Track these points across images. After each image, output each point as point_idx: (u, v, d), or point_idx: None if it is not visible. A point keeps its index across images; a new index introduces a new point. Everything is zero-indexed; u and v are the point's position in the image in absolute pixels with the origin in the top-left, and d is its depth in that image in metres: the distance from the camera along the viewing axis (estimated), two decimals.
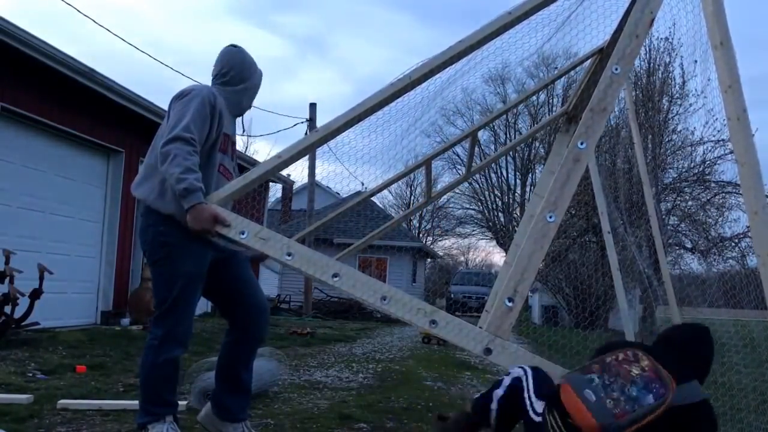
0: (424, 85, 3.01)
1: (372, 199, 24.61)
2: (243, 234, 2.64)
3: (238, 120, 3.28)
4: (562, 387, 2.10)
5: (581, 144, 2.44)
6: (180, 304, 2.93)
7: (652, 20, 2.56)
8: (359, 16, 64.84)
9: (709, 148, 15.68)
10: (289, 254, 2.56)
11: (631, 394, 1.97)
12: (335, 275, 2.50)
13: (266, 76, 3.24)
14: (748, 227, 17.10)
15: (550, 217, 2.38)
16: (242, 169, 3.31)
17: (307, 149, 2.90)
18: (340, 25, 66.90)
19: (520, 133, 31.80)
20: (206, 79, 3.25)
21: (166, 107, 3.06)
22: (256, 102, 3.29)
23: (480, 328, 2.42)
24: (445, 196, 40.59)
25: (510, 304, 2.35)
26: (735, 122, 2.54)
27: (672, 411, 2.04)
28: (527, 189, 34.26)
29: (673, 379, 2.04)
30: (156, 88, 39.24)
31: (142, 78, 41.41)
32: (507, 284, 2.36)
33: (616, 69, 2.50)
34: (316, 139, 2.89)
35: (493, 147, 33.70)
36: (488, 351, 2.35)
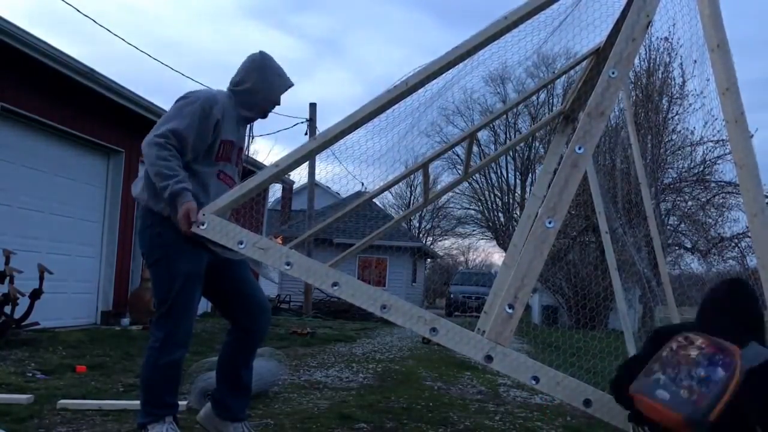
0: (420, 91, 3.00)
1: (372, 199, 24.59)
2: (241, 244, 2.64)
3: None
4: (635, 399, 2.05)
5: (579, 149, 2.42)
6: (180, 305, 2.94)
7: (649, 23, 2.55)
8: (376, 16, 64.84)
9: (709, 148, 15.71)
10: (288, 263, 2.57)
11: (699, 375, 1.92)
12: (335, 284, 2.51)
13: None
14: (748, 227, 17.07)
15: (550, 223, 2.37)
16: (244, 171, 3.31)
17: (305, 157, 2.88)
18: (357, 25, 66.94)
19: (520, 133, 31.82)
20: (212, 80, 3.25)
21: (166, 107, 3.07)
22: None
23: (481, 333, 2.43)
24: (445, 196, 40.61)
25: (510, 311, 2.34)
26: (733, 125, 2.53)
27: (748, 374, 1.99)
28: (527, 189, 34.28)
29: (735, 345, 1.99)
30: (158, 88, 39.38)
31: (155, 78, 41.58)
32: (507, 291, 2.36)
33: (614, 73, 2.49)
34: (314, 146, 2.88)
35: (492, 147, 33.74)
36: (489, 358, 2.34)
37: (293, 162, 2.82)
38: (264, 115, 3.21)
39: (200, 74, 47.89)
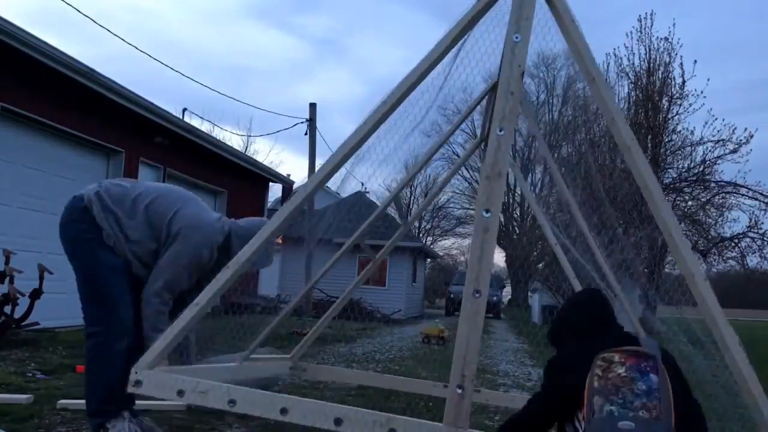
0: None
1: (372, 199, 24.50)
2: (181, 393, 2.56)
3: None
4: None
5: (486, 213, 2.39)
6: (114, 294, 2.95)
7: (523, 72, 2.51)
8: (378, 17, 64.88)
9: (709, 148, 15.72)
10: (231, 401, 2.53)
11: (642, 389, 1.96)
12: (283, 410, 2.48)
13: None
14: (748, 227, 17.04)
15: (477, 294, 2.35)
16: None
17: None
18: (359, 26, 67.02)
19: (520, 134, 31.82)
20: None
21: (166, 107, 3.11)
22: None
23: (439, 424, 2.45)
24: (445, 196, 40.62)
25: (460, 391, 2.33)
26: (627, 151, 2.52)
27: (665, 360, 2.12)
28: (527, 189, 34.34)
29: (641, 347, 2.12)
30: (158, 88, 39.46)
31: (155, 78, 41.54)
32: (453, 372, 2.35)
33: (501, 131, 2.45)
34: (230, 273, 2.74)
35: None
36: None
37: (211, 296, 2.73)
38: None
39: (200, 74, 47.86)
